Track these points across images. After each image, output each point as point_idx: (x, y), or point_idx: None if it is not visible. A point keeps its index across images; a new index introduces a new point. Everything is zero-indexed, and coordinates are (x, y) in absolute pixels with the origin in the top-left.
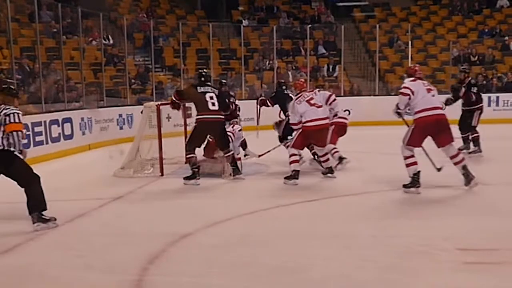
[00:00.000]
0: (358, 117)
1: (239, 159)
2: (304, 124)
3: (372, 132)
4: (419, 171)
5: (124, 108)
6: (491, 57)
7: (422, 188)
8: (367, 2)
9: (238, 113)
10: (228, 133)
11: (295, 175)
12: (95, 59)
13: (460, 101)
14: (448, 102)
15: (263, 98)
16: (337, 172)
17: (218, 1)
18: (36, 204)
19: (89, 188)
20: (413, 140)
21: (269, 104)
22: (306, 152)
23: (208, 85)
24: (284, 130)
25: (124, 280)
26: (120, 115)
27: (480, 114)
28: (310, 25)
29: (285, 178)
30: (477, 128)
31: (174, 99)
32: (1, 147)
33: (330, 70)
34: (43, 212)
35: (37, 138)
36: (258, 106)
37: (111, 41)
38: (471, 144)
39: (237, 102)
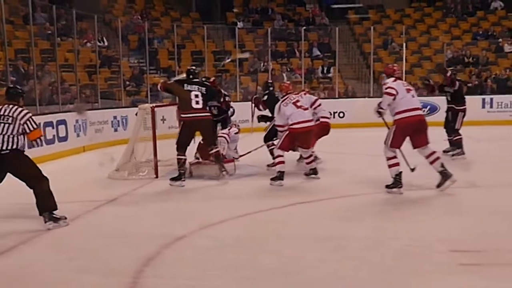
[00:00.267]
0: (353, 119)
1: (232, 160)
2: (291, 126)
3: (366, 134)
4: (401, 172)
5: (119, 110)
6: (485, 59)
7: (414, 190)
8: (361, 4)
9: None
10: (223, 136)
11: (280, 176)
12: (89, 61)
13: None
14: (442, 89)
15: (257, 97)
16: (331, 174)
17: (213, 3)
18: (46, 204)
19: (83, 190)
20: (396, 141)
21: (262, 108)
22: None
23: (196, 83)
24: (270, 132)
25: (119, 283)
26: (115, 117)
27: (463, 116)
28: (304, 27)
29: (271, 179)
30: (460, 131)
31: (159, 89)
32: (13, 146)
33: (325, 72)
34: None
35: None
36: (253, 105)
37: (106, 43)
38: (454, 146)
39: (232, 104)
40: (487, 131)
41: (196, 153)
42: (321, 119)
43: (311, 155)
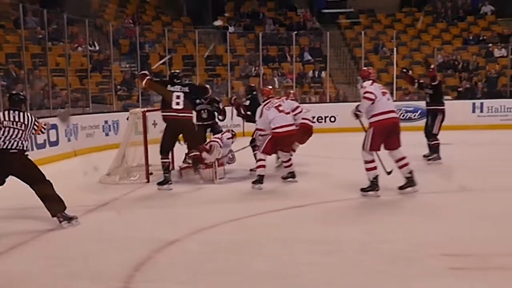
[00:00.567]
0: (344, 123)
1: (222, 164)
2: (274, 130)
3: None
4: (377, 175)
5: (110, 114)
6: (475, 64)
7: (405, 195)
8: (352, 9)
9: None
10: (216, 140)
11: (260, 179)
12: (80, 66)
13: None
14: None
15: (235, 98)
16: (322, 178)
17: (204, 7)
18: (57, 206)
19: (74, 194)
20: (375, 144)
21: (242, 111)
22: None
23: (178, 84)
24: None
25: (110, 287)
26: (106, 122)
27: (442, 121)
28: (295, 32)
29: (252, 182)
30: (438, 136)
31: (144, 85)
32: (21, 148)
33: (316, 76)
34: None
35: None
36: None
37: (97, 48)
38: (431, 151)
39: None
40: (477, 136)
41: (186, 158)
42: (302, 120)
43: (290, 159)
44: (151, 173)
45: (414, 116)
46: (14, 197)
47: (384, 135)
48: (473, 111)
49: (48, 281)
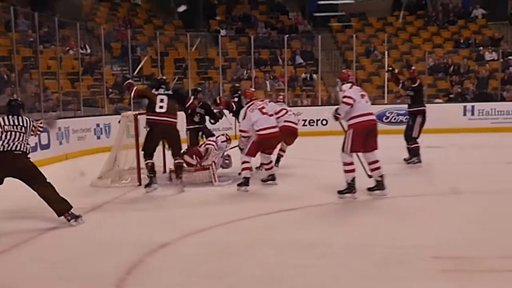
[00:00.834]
0: (336, 126)
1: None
2: (258, 132)
3: None
4: (354, 178)
5: (102, 117)
6: (466, 67)
7: (396, 198)
8: (344, 12)
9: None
10: (211, 143)
11: (245, 182)
12: (72, 69)
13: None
14: (403, 86)
15: (221, 99)
16: (314, 181)
17: (196, 11)
18: (62, 206)
19: (66, 198)
20: (355, 145)
21: (234, 106)
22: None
23: (162, 88)
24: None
25: None
26: (98, 125)
27: (422, 124)
28: (287, 35)
29: (238, 185)
30: (418, 139)
31: (133, 94)
32: (25, 150)
33: (308, 79)
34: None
35: None
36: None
37: (89, 51)
38: (411, 155)
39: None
40: (468, 139)
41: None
42: (285, 123)
43: (271, 161)
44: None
45: (406, 119)
46: (4, 200)
47: (362, 136)
48: (464, 114)
49: (40, 284)
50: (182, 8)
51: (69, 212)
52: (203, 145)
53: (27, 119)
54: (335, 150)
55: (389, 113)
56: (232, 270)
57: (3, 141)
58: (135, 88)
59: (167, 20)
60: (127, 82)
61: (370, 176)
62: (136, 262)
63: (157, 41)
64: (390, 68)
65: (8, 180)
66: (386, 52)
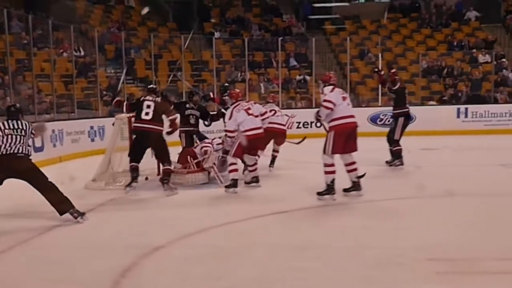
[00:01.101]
0: None
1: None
2: (244, 133)
3: None
4: (334, 179)
5: (96, 120)
6: (459, 70)
7: (391, 200)
8: (337, 15)
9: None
10: (207, 146)
11: (234, 183)
12: (66, 71)
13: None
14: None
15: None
16: (307, 183)
17: (190, 13)
18: (63, 205)
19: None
20: (336, 147)
21: (226, 102)
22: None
23: (152, 96)
24: None
25: None
26: (92, 127)
27: (403, 126)
28: (281, 37)
29: (226, 187)
30: (400, 142)
31: (125, 110)
32: (27, 152)
33: (302, 81)
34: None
35: None
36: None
37: (82, 53)
38: (394, 157)
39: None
40: (462, 141)
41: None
42: (269, 125)
43: (256, 163)
44: (147, 178)
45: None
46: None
47: (344, 138)
48: (458, 117)
49: (34, 287)
50: (145, 10)
51: (74, 209)
52: (199, 147)
53: (26, 123)
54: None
55: (383, 115)
56: (227, 272)
57: (5, 144)
58: (124, 103)
59: (161, 22)
60: (115, 100)
61: (360, 176)
62: (131, 264)
63: (151, 44)
64: (376, 70)
65: (7, 181)
66: (380, 55)
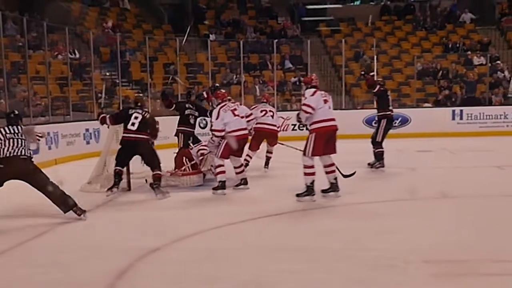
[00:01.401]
0: None
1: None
2: (230, 134)
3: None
4: (314, 181)
5: (91, 122)
6: (454, 72)
7: (385, 202)
8: (332, 17)
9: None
10: (205, 148)
11: (222, 185)
12: (61, 73)
13: None
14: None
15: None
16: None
17: (185, 15)
18: (66, 203)
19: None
20: (317, 149)
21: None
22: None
23: (139, 107)
24: None
25: None
26: (87, 130)
27: (386, 128)
28: (276, 40)
29: (213, 189)
30: (383, 144)
31: (108, 123)
32: (29, 155)
33: (297, 84)
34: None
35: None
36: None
37: (77, 55)
38: (376, 158)
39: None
40: (457, 143)
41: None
42: (257, 125)
43: (242, 165)
44: (146, 180)
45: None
46: None
47: (324, 141)
48: (453, 119)
49: None
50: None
51: (77, 207)
52: (196, 150)
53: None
54: None
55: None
56: (223, 275)
57: (8, 147)
58: (107, 117)
59: (157, 25)
60: (101, 117)
61: (346, 176)
62: (126, 267)
63: (146, 46)
64: (362, 73)
65: (6, 182)
66: (375, 57)
